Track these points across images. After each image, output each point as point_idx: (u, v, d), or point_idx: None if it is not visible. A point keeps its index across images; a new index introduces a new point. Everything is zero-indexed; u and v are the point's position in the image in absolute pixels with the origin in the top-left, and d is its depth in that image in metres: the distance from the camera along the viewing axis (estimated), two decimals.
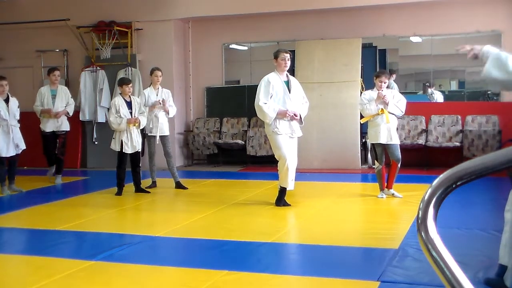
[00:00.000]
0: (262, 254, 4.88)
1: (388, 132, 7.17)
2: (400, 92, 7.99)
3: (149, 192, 8.16)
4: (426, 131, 10.24)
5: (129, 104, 7.97)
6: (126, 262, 4.63)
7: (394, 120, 7.30)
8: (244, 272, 4.26)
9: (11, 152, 8.24)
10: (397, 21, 10.57)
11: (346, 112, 10.23)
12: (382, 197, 7.28)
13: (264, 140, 10.59)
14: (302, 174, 8.87)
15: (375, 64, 10.86)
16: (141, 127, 8.12)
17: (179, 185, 8.42)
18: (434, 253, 1.16)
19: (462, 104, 10.42)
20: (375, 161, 7.45)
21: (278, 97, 6.74)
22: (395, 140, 7.23)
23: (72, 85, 11.76)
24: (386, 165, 7.36)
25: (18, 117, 8.40)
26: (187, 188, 8.37)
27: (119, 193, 7.96)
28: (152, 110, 8.27)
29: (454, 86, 11.36)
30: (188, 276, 4.30)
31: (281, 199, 6.87)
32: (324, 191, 8.12)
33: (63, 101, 9.34)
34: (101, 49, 11.30)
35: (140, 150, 8.14)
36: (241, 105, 11.17)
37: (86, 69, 11.41)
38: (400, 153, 7.26)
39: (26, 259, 4.96)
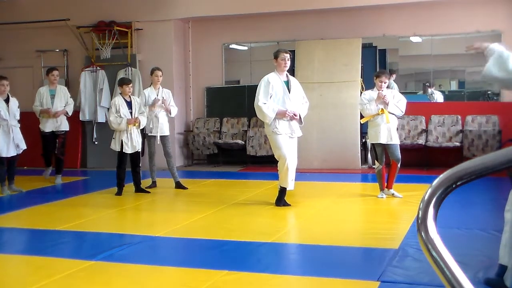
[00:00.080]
0: (262, 254, 4.88)
1: (388, 132, 7.17)
2: (400, 92, 7.99)
3: (149, 192, 8.16)
4: (426, 131, 10.24)
5: (129, 104, 7.97)
6: (126, 262, 4.63)
7: (394, 120, 7.30)
8: (244, 272, 4.26)
9: (12, 152, 8.24)
10: (397, 21, 10.57)
11: (346, 112, 10.23)
12: (382, 197, 7.28)
13: (264, 140, 10.59)
14: (302, 174, 8.87)
15: (375, 64, 10.86)
16: (141, 127, 8.12)
17: (179, 185, 8.42)
18: (434, 253, 1.16)
19: (462, 104, 10.42)
20: (375, 161, 7.45)
21: (278, 97, 6.74)
22: (395, 140, 7.23)
23: (72, 85, 11.77)
24: (386, 165, 7.36)
25: (18, 117, 8.40)
26: (187, 188, 8.37)
27: (119, 193, 7.96)
28: (152, 110, 8.27)
29: (454, 86, 11.36)
30: (188, 276, 4.30)
31: (281, 199, 6.87)
32: (324, 191, 8.12)
33: (62, 101, 9.34)
34: (101, 49, 11.30)
35: (140, 150, 8.15)
36: (241, 105, 11.17)
37: (86, 69, 11.41)
38: (400, 153, 7.26)
39: (26, 259, 4.96)
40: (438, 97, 10.88)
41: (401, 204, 7.03)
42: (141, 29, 11.38)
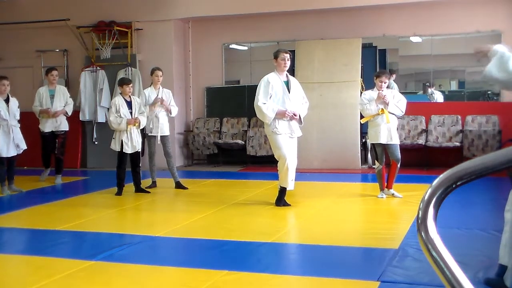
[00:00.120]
0: (262, 254, 4.88)
1: (388, 132, 7.17)
2: (400, 92, 7.99)
3: (149, 192, 8.16)
4: (426, 131, 10.24)
5: (129, 104, 7.97)
6: (126, 262, 4.63)
7: (394, 120, 7.31)
8: (244, 272, 4.26)
9: (12, 152, 8.24)
10: (397, 21, 10.57)
11: (346, 112, 10.23)
12: (382, 197, 7.28)
13: (264, 140, 10.59)
14: (302, 174, 8.87)
15: (375, 64, 10.86)
16: (141, 127, 8.12)
17: (179, 185, 8.42)
18: (434, 253, 1.16)
19: (462, 104, 10.42)
20: (375, 161, 7.45)
21: (278, 97, 6.74)
22: (395, 140, 7.23)
23: (72, 85, 11.77)
24: (386, 165, 7.36)
25: (18, 117, 8.40)
26: (187, 188, 8.37)
27: (119, 193, 7.96)
28: (152, 110, 8.27)
29: (454, 86, 11.36)
30: (188, 276, 4.30)
31: (281, 199, 6.87)
32: (324, 191, 8.12)
33: (62, 101, 9.35)
34: (101, 49, 11.30)
35: (140, 150, 8.15)
36: (241, 105, 11.17)
37: (86, 69, 11.41)
38: (400, 153, 7.26)
39: (26, 259, 4.96)
40: (438, 97, 10.88)
41: (401, 204, 7.03)
42: (141, 29, 11.38)
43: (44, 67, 11.49)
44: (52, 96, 9.28)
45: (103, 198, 7.86)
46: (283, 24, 11.06)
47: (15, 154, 8.33)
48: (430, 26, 10.37)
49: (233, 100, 11.47)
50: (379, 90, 7.18)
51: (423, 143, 9.97)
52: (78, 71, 11.58)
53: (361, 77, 10.32)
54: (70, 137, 9.81)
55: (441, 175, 1.22)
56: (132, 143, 7.95)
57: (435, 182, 1.22)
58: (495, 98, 10.41)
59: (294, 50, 10.51)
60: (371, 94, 7.29)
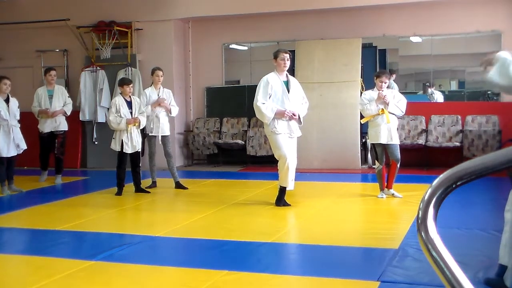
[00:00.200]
0: (262, 254, 4.88)
1: (388, 132, 7.17)
2: (400, 92, 7.99)
3: (149, 192, 8.16)
4: (426, 131, 10.24)
5: (129, 104, 7.98)
6: (126, 262, 4.63)
7: (395, 120, 7.31)
8: (244, 272, 4.26)
9: (12, 152, 8.25)
10: (397, 21, 10.57)
11: (346, 112, 10.23)
12: (382, 197, 7.28)
13: (264, 140, 10.59)
14: (302, 174, 8.88)
15: (375, 64, 10.86)
16: (141, 127, 8.12)
17: (179, 185, 8.42)
18: (434, 253, 1.16)
19: (462, 104, 10.42)
20: (375, 161, 7.45)
21: (277, 97, 6.74)
22: (395, 140, 7.23)
23: (72, 85, 11.78)
24: (386, 165, 7.36)
25: (18, 117, 8.41)
26: (187, 188, 8.37)
27: (119, 193, 7.96)
28: (153, 110, 8.28)
29: (454, 86, 11.36)
30: (188, 276, 4.30)
31: (281, 199, 6.87)
32: (324, 191, 8.12)
33: (60, 100, 9.34)
34: (101, 49, 11.30)
35: (140, 150, 8.15)
36: (241, 105, 11.17)
37: (86, 69, 11.41)
38: (399, 153, 7.26)
39: (26, 259, 4.96)
40: (438, 97, 10.88)
41: (401, 204, 7.03)
42: (141, 29, 11.38)
43: (44, 67, 11.48)
44: (50, 96, 9.28)
45: (103, 198, 7.86)
46: (283, 24, 11.06)
47: (15, 154, 8.34)
48: (430, 26, 10.37)
49: (233, 100, 11.47)
50: (379, 90, 7.18)
51: (423, 143, 9.97)
52: (78, 71, 11.58)
53: (361, 77, 10.32)
54: (70, 137, 9.81)
55: (441, 175, 1.22)
56: (132, 143, 7.95)
57: (435, 182, 1.22)
58: (495, 98, 10.41)
59: (294, 50, 10.51)
60: (371, 94, 7.29)
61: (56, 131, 9.29)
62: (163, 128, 8.37)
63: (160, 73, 8.44)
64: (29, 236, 5.92)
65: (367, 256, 4.83)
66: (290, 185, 6.84)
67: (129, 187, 8.12)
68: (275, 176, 7.17)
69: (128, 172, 8.08)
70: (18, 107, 8.44)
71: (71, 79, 11.93)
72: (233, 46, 11.82)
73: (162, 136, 8.33)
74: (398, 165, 7.21)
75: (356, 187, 8.75)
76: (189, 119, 11.80)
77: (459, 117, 10.10)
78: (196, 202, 7.39)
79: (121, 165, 7.97)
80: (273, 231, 5.63)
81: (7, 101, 8.28)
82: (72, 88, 11.74)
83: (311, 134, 10.06)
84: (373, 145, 7.47)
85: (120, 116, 7.84)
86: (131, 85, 8.16)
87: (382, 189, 7.34)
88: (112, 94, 11.04)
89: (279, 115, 6.69)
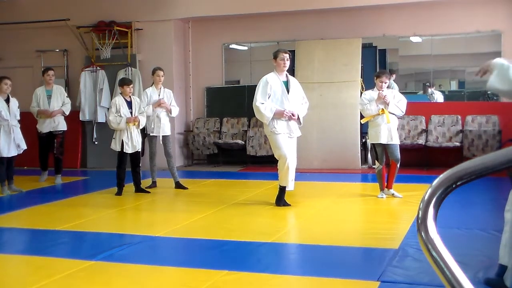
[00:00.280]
0: (262, 254, 4.88)
1: (388, 132, 7.17)
2: (400, 92, 7.99)
3: (149, 192, 8.16)
4: (426, 131, 10.24)
5: (129, 104, 7.98)
6: (126, 262, 4.63)
7: (395, 120, 7.30)
8: (244, 272, 4.26)
9: (12, 152, 8.25)
10: (397, 21, 10.57)
11: (346, 112, 10.23)
12: (382, 197, 7.28)
13: (264, 140, 10.59)
14: (302, 174, 8.88)
15: (375, 64, 10.86)
16: (141, 127, 8.12)
17: (179, 185, 8.42)
18: (434, 253, 1.16)
19: (462, 104, 10.42)
20: (376, 161, 7.45)
21: (276, 97, 6.74)
22: (396, 140, 7.23)
23: (72, 85, 11.78)
24: (386, 165, 7.36)
25: (18, 117, 8.41)
26: (187, 188, 8.37)
27: (119, 193, 7.96)
28: (154, 110, 8.28)
29: (454, 86, 11.36)
30: (188, 276, 4.30)
31: (281, 199, 6.86)
32: (324, 191, 8.12)
33: (59, 100, 9.34)
34: (101, 49, 11.30)
35: (140, 150, 8.15)
36: (241, 105, 11.17)
37: (86, 69, 11.41)
38: (399, 153, 7.26)
39: (26, 259, 4.96)
40: (438, 97, 10.88)
41: (401, 204, 7.03)
42: (141, 29, 11.38)
43: (44, 67, 11.50)
44: (49, 97, 9.28)
45: (103, 198, 7.86)
46: (283, 24, 11.06)
47: (16, 154, 8.34)
48: (430, 26, 10.37)
49: (233, 100, 11.47)
50: (379, 90, 7.18)
51: (423, 143, 9.97)
52: (78, 71, 11.58)
53: (361, 77, 10.33)
54: (70, 137, 9.81)
55: (441, 175, 1.22)
56: (133, 143, 7.95)
57: (435, 182, 1.22)
58: (495, 98, 10.40)
59: (294, 50, 10.51)
60: (371, 94, 7.29)
61: (55, 131, 9.28)
62: (164, 128, 8.37)
63: (161, 73, 8.44)
64: (29, 236, 5.92)
65: (367, 256, 4.83)
66: (290, 185, 6.84)
67: (129, 187, 8.12)
68: (275, 176, 7.17)
69: (128, 172, 8.08)
70: (18, 107, 8.45)
71: (71, 79, 11.93)
72: (233, 46, 11.82)
73: (163, 136, 8.34)
74: (398, 165, 7.21)
75: (356, 187, 8.75)
76: (189, 119, 11.80)
77: (459, 117, 10.10)
78: (196, 202, 7.39)
79: (121, 165, 7.97)
80: (273, 231, 5.63)
81: (7, 101, 8.28)
82: (72, 88, 11.75)
83: (311, 134, 10.06)
84: (373, 145, 7.47)
85: (120, 116, 7.84)
86: (131, 85, 8.17)
87: (382, 189, 7.34)
88: (112, 94, 11.04)
89: (278, 115, 6.69)
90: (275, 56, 6.85)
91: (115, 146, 7.94)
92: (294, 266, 4.72)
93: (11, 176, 8.44)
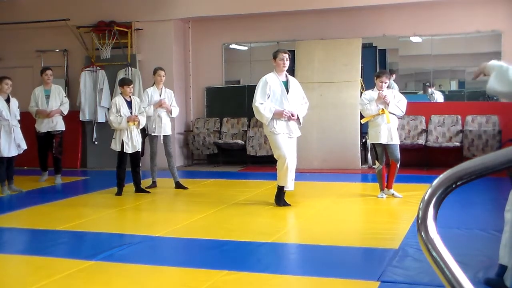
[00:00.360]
0: (262, 254, 4.88)
1: (388, 132, 7.17)
2: (400, 92, 7.99)
3: (149, 192, 8.16)
4: (426, 131, 10.24)
5: (129, 104, 7.99)
6: (126, 262, 4.63)
7: (395, 120, 7.30)
8: (244, 272, 4.26)
9: (13, 152, 8.26)
10: (397, 21, 10.57)
11: (346, 112, 10.23)
12: (382, 197, 7.28)
13: (264, 140, 10.59)
14: (302, 174, 8.88)
15: (375, 64, 10.86)
16: (141, 127, 8.12)
17: (179, 185, 8.42)
18: (434, 253, 1.16)
19: (462, 104, 10.42)
20: (376, 161, 7.45)
21: (276, 98, 6.74)
22: (396, 140, 7.23)
23: (72, 85, 11.78)
24: (386, 165, 7.36)
25: (18, 117, 8.42)
26: (187, 188, 8.37)
27: (119, 193, 7.96)
28: (155, 110, 8.28)
29: (454, 86, 11.36)
30: (188, 276, 4.30)
31: (280, 198, 6.86)
32: (324, 191, 8.12)
33: (57, 100, 9.34)
34: (101, 49, 11.30)
35: (140, 150, 8.15)
36: (241, 105, 11.17)
37: (86, 69, 11.41)
38: (399, 153, 7.26)
39: (26, 259, 4.95)
40: (438, 97, 10.88)
41: (401, 204, 7.03)
42: (141, 29, 11.38)
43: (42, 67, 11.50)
44: (47, 96, 9.28)
45: (103, 198, 7.86)
46: (283, 24, 11.06)
47: (16, 154, 8.34)
48: (430, 26, 10.37)
49: (233, 100, 11.47)
50: (379, 90, 7.18)
51: (423, 143, 9.97)
52: (78, 71, 11.58)
53: (361, 77, 10.33)
54: (70, 137, 9.81)
55: (441, 175, 1.22)
56: (133, 142, 7.95)
57: (435, 182, 1.22)
58: (495, 98, 10.39)
59: (294, 50, 10.51)
60: (371, 94, 7.29)
61: (53, 131, 9.28)
62: (165, 128, 8.39)
63: (162, 73, 8.44)
64: (29, 236, 5.92)
65: (367, 256, 4.83)
66: (290, 185, 6.84)
67: (129, 187, 8.12)
68: (275, 176, 7.16)
69: (128, 172, 8.08)
70: (18, 107, 8.45)
71: (71, 79, 11.93)
72: (233, 46, 11.82)
73: (164, 135, 8.35)
74: (398, 165, 7.22)
75: (356, 187, 8.75)
76: (189, 119, 11.80)
77: (459, 117, 10.10)
78: (196, 202, 7.39)
79: (121, 165, 7.97)
80: (273, 231, 5.63)
81: (7, 101, 8.28)
82: (72, 88, 11.75)
83: (311, 134, 10.06)
84: (373, 145, 7.47)
85: (121, 116, 7.85)
86: (132, 85, 8.17)
87: (382, 189, 7.34)
88: (112, 94, 11.04)
89: (278, 115, 6.68)
90: (275, 56, 6.85)
91: (115, 146, 7.94)
92: (294, 266, 4.72)
93: (11, 176, 8.44)
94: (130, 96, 8.04)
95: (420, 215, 1.20)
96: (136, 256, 4.86)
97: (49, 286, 4.08)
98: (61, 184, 9.28)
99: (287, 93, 6.78)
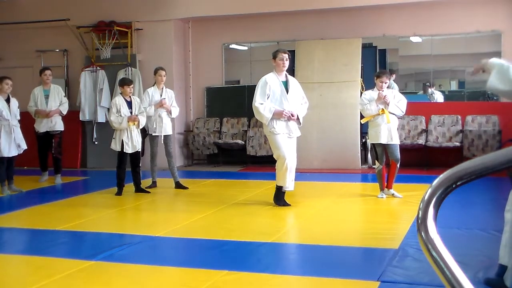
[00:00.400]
0: (262, 254, 4.88)
1: (388, 132, 7.17)
2: (400, 92, 7.99)
3: (149, 192, 8.16)
4: (426, 131, 10.24)
5: (129, 104, 7.99)
6: (126, 262, 4.63)
7: (395, 120, 7.30)
8: (244, 272, 4.26)
9: (13, 152, 8.26)
10: (397, 21, 10.57)
11: (346, 112, 10.23)
12: (382, 197, 7.28)
13: (264, 140, 10.59)
14: (302, 174, 8.88)
15: (375, 64, 10.86)
16: (141, 127, 8.12)
17: (179, 185, 8.42)
18: (434, 253, 1.16)
19: (462, 104, 10.42)
20: (376, 161, 7.45)
21: (275, 98, 6.74)
22: (396, 140, 7.23)
23: (72, 85, 11.78)
24: (386, 165, 7.36)
25: (18, 117, 8.42)
26: (187, 188, 8.37)
27: (119, 193, 7.96)
28: (155, 110, 8.28)
29: (454, 86, 11.36)
30: (188, 276, 4.30)
31: (279, 197, 6.86)
32: (324, 191, 8.12)
33: (56, 100, 9.34)
34: (101, 49, 11.30)
35: (140, 150, 8.15)
36: (241, 105, 11.17)
37: (86, 69, 11.41)
38: (399, 153, 7.26)
39: (26, 259, 4.95)
40: (438, 97, 10.88)
41: (401, 204, 7.03)
42: (141, 29, 11.38)
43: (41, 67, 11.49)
44: (47, 96, 9.28)
45: (103, 198, 7.86)
46: (283, 24, 11.06)
47: (16, 154, 8.34)
48: (430, 26, 10.37)
49: (233, 100, 11.47)
50: (379, 90, 7.18)
51: (423, 143, 9.97)
52: (78, 71, 11.58)
53: (361, 77, 10.33)
54: (70, 137, 9.80)
55: (441, 175, 1.22)
56: (133, 142, 7.95)
57: (435, 182, 1.22)
58: (495, 98, 10.40)
59: (294, 50, 10.51)
60: (371, 94, 7.29)
61: (52, 131, 9.27)
62: (166, 127, 8.39)
63: (163, 73, 8.44)
64: (29, 236, 5.92)
65: (367, 256, 4.83)
66: (290, 185, 6.84)
67: (129, 187, 8.12)
68: (275, 176, 7.16)
69: (128, 172, 8.08)
70: (18, 107, 8.45)
71: (71, 79, 11.93)
72: (233, 46, 11.82)
73: (164, 135, 8.35)
74: (398, 165, 7.22)
75: (356, 187, 8.75)
76: (189, 119, 11.80)
77: (459, 117, 10.10)
78: (196, 202, 7.39)
79: (121, 165, 7.97)
80: (273, 231, 5.63)
81: (8, 101, 8.29)
82: (72, 88, 11.75)
83: (311, 134, 10.06)
84: (373, 145, 7.47)
85: (121, 116, 7.85)
86: (132, 85, 8.18)
87: (382, 189, 7.34)
88: (112, 94, 11.04)
89: (277, 115, 6.68)
90: (275, 56, 6.85)
91: (115, 146, 7.94)
92: (294, 266, 4.72)
93: (11, 176, 8.44)
94: (130, 96, 8.05)
95: (420, 215, 1.20)
96: (136, 256, 4.86)
97: (49, 286, 4.08)
98: (61, 184, 9.28)
99: (287, 93, 6.78)
